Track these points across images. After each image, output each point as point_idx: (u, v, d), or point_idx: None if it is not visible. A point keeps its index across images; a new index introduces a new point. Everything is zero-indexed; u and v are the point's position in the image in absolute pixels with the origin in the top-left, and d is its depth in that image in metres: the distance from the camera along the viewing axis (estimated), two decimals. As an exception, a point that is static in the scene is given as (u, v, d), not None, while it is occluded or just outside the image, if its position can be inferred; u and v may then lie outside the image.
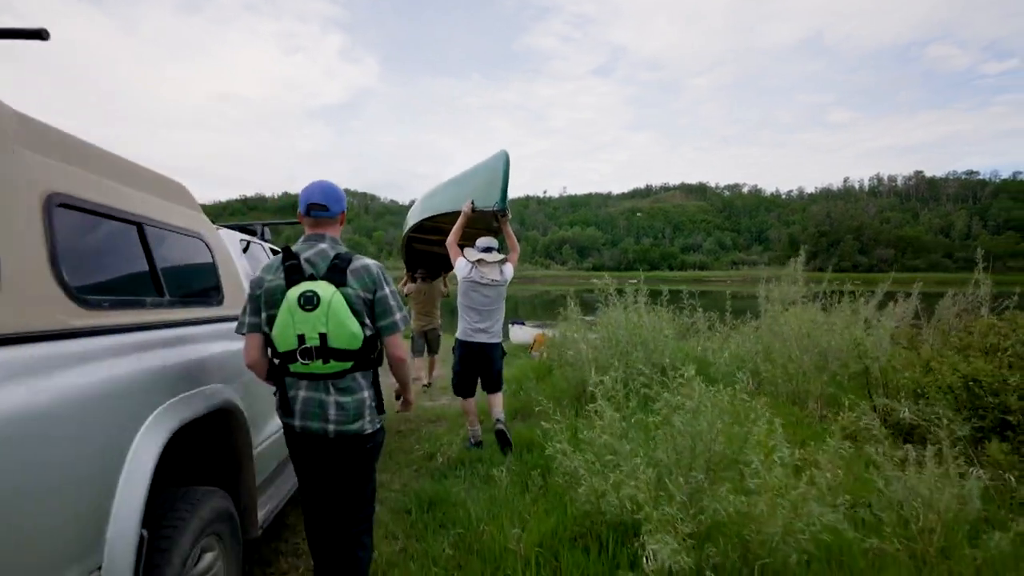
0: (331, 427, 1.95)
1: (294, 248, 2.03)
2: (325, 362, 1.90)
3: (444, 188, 5.19)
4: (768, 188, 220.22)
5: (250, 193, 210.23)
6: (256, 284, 2.00)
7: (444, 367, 7.45)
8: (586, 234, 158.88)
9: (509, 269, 4.27)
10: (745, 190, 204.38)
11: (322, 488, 2.07)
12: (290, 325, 1.88)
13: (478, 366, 4.25)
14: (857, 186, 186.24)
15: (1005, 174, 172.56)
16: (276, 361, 2.00)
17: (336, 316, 1.87)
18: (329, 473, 2.03)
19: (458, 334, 4.27)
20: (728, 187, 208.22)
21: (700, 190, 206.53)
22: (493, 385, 4.30)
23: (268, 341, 1.98)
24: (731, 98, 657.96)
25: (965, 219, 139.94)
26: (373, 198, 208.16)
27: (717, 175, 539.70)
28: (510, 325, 13.46)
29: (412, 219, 5.47)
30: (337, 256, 1.99)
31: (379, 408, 2.05)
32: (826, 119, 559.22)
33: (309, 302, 1.86)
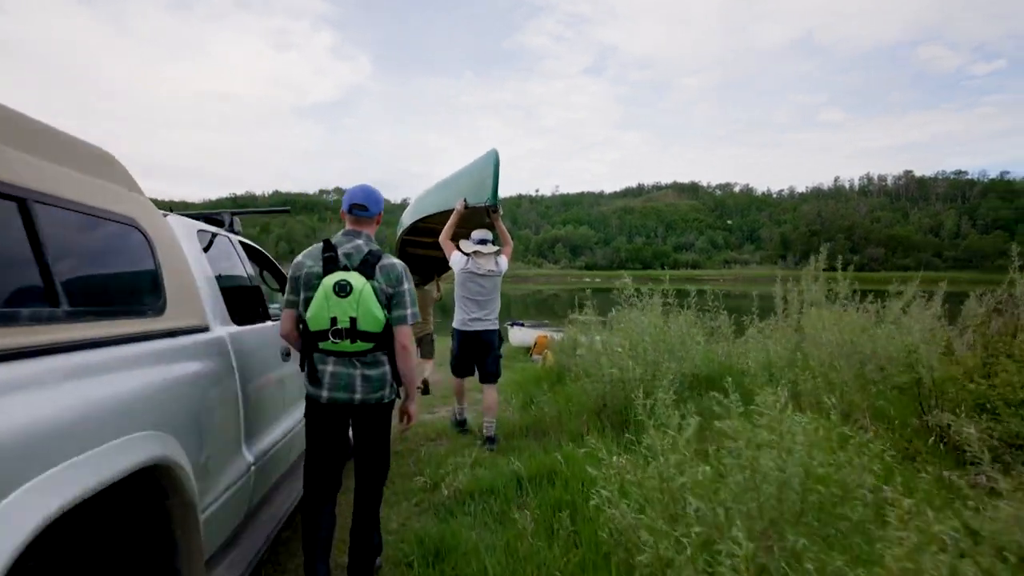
0: (357, 396, 2.26)
1: (333, 241, 2.35)
2: (353, 342, 2.19)
3: (436, 190, 5.29)
4: (759, 187, 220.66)
5: (240, 192, 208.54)
6: (297, 267, 2.32)
7: (442, 371, 6.90)
8: (579, 233, 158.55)
9: (504, 261, 4.44)
10: (737, 189, 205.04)
11: (337, 454, 2.36)
12: (324, 308, 2.17)
13: (477, 352, 4.38)
14: (847, 186, 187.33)
15: (993, 173, 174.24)
16: (306, 340, 2.27)
17: (365, 303, 2.18)
18: (356, 435, 2.38)
19: (455, 323, 4.40)
20: (720, 186, 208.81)
21: (692, 189, 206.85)
22: (490, 374, 4.43)
23: (300, 319, 2.28)
24: (722, 98, 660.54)
25: (954, 219, 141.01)
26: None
27: (709, 174, 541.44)
28: (508, 327, 12.88)
29: (406, 221, 5.49)
30: (370, 252, 2.32)
31: (396, 381, 2.36)
32: (817, 119, 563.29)
33: (343, 290, 2.17)
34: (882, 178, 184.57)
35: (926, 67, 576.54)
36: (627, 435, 3.37)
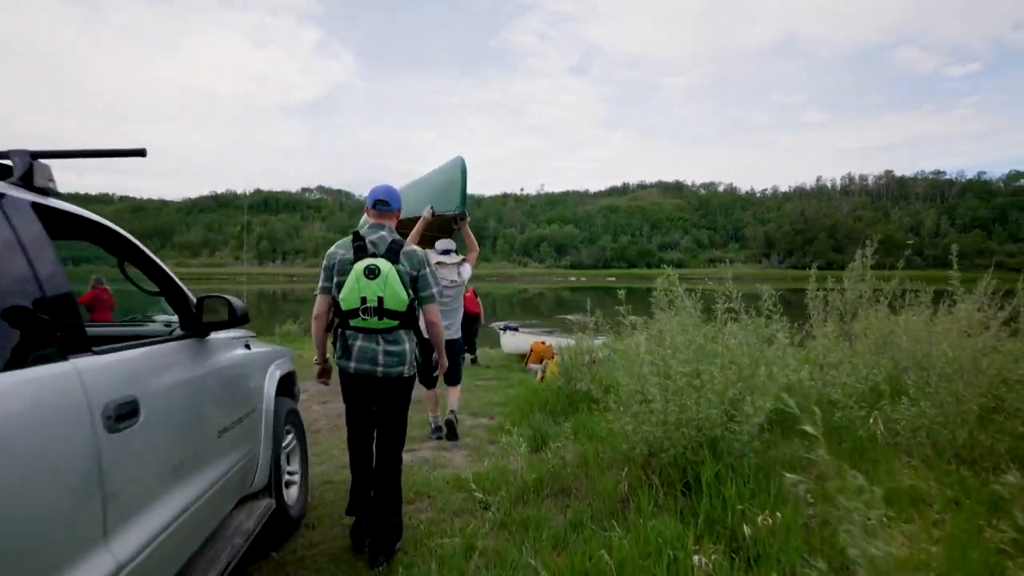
0: (380, 369, 2.60)
1: (361, 232, 2.73)
2: (380, 319, 2.55)
3: (403, 193, 4.88)
4: (743, 186, 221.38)
5: (221, 189, 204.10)
6: (330, 257, 2.69)
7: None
8: (564, 232, 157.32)
9: (467, 269, 4.56)
10: (721, 188, 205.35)
11: (368, 414, 2.75)
12: (355, 290, 2.54)
13: None
14: (830, 185, 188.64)
15: (970, 174, 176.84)
16: (338, 319, 2.66)
17: (391, 285, 2.54)
18: (376, 403, 2.71)
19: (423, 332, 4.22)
20: (704, 185, 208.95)
21: (677, 188, 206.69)
22: (454, 378, 4.66)
23: (334, 302, 2.66)
24: (707, 98, 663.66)
25: (934, 218, 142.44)
26: (348, 195, 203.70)
27: (694, 173, 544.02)
28: (501, 331, 11.64)
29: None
30: (393, 241, 2.68)
31: (421, 358, 2.82)
32: (799, 119, 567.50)
33: (372, 273, 2.54)
34: (863, 178, 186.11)
35: (904, 69, 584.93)
36: (694, 498, 2.53)
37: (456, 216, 4.40)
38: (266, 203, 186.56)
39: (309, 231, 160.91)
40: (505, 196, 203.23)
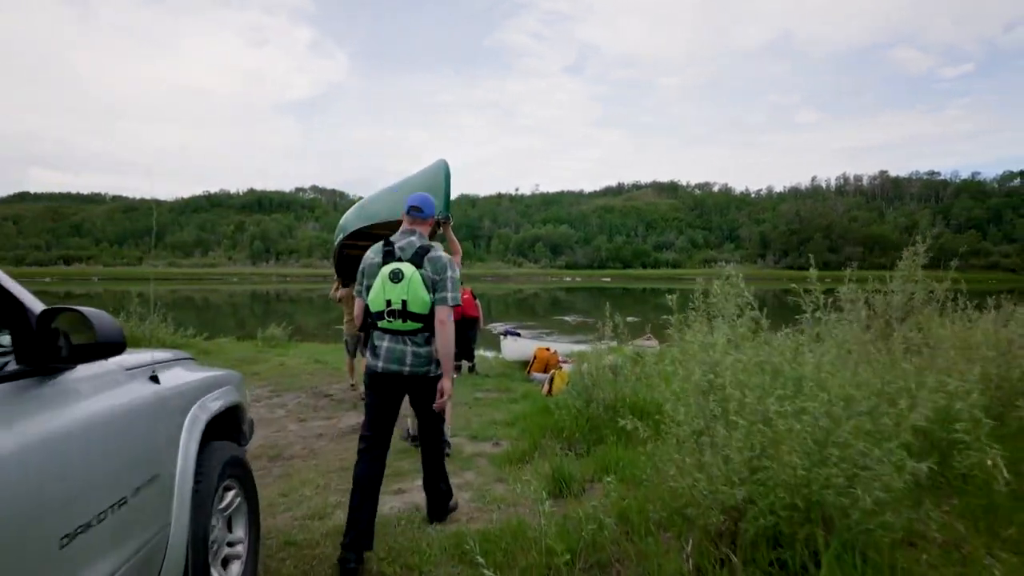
0: (407, 369, 2.71)
1: (392, 238, 2.84)
2: (404, 321, 2.68)
3: (383, 196, 5.24)
4: (738, 187, 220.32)
5: (214, 189, 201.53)
6: (364, 260, 2.86)
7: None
8: (559, 232, 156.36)
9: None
10: (716, 188, 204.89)
11: (390, 414, 2.83)
12: (381, 292, 2.69)
13: None
14: (824, 185, 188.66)
15: (964, 174, 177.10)
16: (368, 320, 2.80)
17: (414, 288, 2.65)
18: (412, 399, 2.87)
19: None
20: (699, 185, 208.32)
21: (671, 188, 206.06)
22: None
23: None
24: (701, 98, 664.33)
25: (929, 218, 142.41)
26: (342, 195, 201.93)
27: (688, 173, 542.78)
28: (501, 337, 10.81)
29: (350, 226, 5.28)
30: (420, 247, 2.77)
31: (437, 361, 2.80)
32: (793, 119, 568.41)
33: (396, 277, 2.66)
34: (858, 178, 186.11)
35: (897, 70, 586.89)
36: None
37: (440, 220, 4.33)
38: (260, 203, 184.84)
39: (303, 231, 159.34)
40: (500, 196, 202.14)
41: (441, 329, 2.70)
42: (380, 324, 2.73)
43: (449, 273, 2.74)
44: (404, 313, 2.66)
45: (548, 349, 8.70)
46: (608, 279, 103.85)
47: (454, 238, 4.60)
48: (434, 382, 2.79)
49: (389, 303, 2.66)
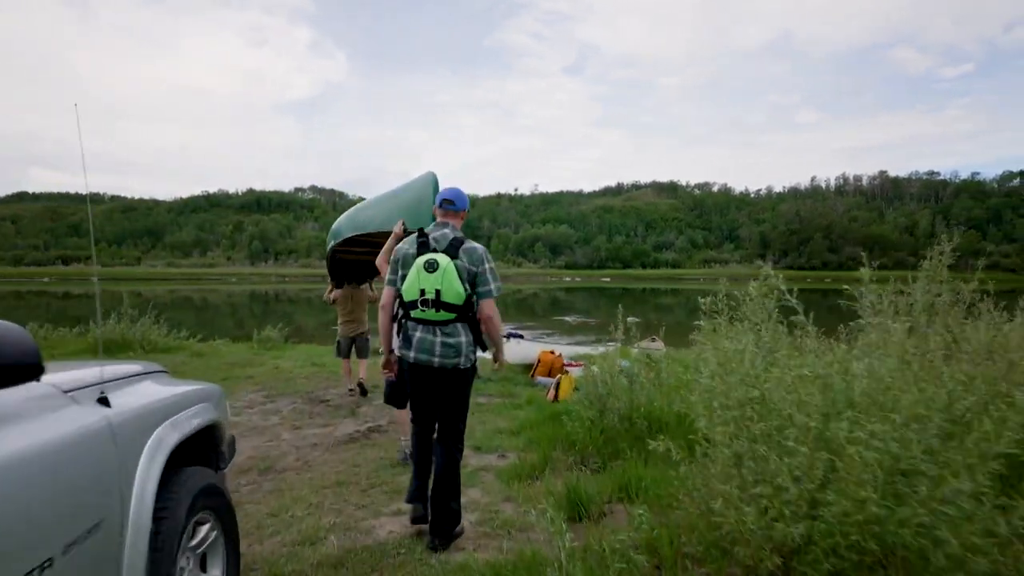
0: (436, 360, 2.73)
1: (426, 230, 2.87)
2: (437, 311, 2.68)
3: (374, 204, 5.26)
4: (737, 187, 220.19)
5: (213, 189, 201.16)
6: (397, 251, 2.89)
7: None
8: (558, 232, 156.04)
9: None
10: (715, 188, 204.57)
11: (429, 402, 2.89)
12: (416, 282, 2.70)
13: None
14: (824, 185, 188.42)
15: (964, 174, 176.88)
16: (401, 311, 2.83)
17: (448, 278, 2.66)
18: (435, 392, 2.85)
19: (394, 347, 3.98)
20: (699, 185, 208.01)
21: (671, 188, 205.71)
22: None
23: (398, 294, 2.84)
24: (701, 98, 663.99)
25: (928, 218, 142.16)
26: (342, 195, 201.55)
27: (688, 174, 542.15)
28: (505, 339, 10.48)
29: (343, 232, 5.35)
30: (455, 238, 2.81)
31: (482, 347, 2.88)
32: (793, 119, 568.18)
33: (431, 267, 2.67)
34: (857, 178, 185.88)
35: (897, 70, 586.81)
36: None
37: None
38: (259, 203, 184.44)
39: (302, 231, 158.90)
40: (499, 196, 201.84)
41: (490, 324, 2.81)
42: (413, 314, 2.76)
43: (487, 264, 2.79)
44: (437, 303, 2.68)
45: (553, 352, 8.39)
46: (608, 279, 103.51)
47: None
48: (463, 375, 2.82)
49: (423, 292, 2.69)
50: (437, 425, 2.93)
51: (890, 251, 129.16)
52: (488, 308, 2.79)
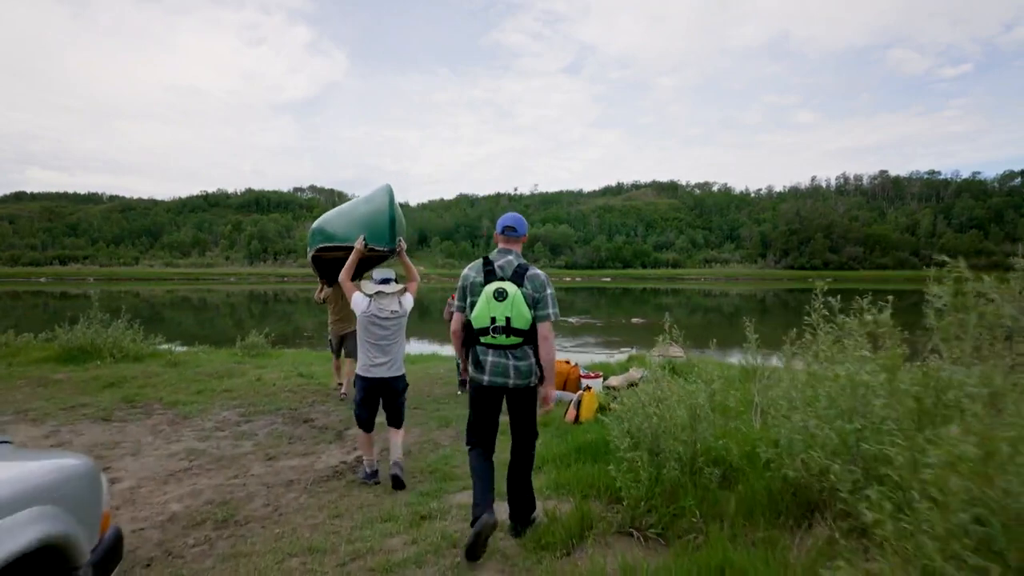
0: (511, 382, 2.90)
1: (490, 257, 3.03)
2: (507, 336, 2.85)
3: (338, 216, 5.19)
4: (738, 186, 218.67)
5: (212, 189, 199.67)
6: (464, 279, 3.05)
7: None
8: (558, 232, 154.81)
9: (408, 299, 4.24)
10: (715, 188, 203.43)
11: (495, 422, 3.06)
12: (486, 310, 2.86)
13: (380, 399, 4.16)
14: (824, 184, 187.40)
15: (965, 174, 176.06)
16: (468, 336, 2.97)
17: (518, 306, 2.83)
18: (512, 411, 3.02)
19: (358, 369, 4.13)
20: (699, 185, 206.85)
21: (671, 188, 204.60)
22: (396, 419, 4.23)
23: (466, 319, 2.98)
24: (700, 98, 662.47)
25: (930, 218, 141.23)
26: (341, 195, 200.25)
27: (688, 173, 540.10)
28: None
29: (315, 242, 5.35)
30: (519, 265, 2.95)
31: (539, 371, 2.95)
32: (793, 119, 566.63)
33: (501, 295, 2.84)
34: (858, 177, 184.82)
35: (896, 70, 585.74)
36: None
37: (388, 251, 4.33)
38: (257, 202, 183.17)
39: (301, 231, 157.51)
40: (499, 196, 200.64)
41: (544, 344, 2.90)
42: (483, 339, 2.90)
43: (548, 291, 2.92)
44: (508, 329, 2.84)
45: (568, 362, 7.49)
46: (608, 279, 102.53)
47: (409, 263, 4.37)
48: (533, 392, 3.00)
49: (494, 320, 2.84)
50: (512, 437, 3.09)
51: (891, 251, 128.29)
52: (544, 330, 2.90)
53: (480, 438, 3.02)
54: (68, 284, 70.57)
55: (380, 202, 4.29)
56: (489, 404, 2.99)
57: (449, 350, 10.75)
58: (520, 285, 2.86)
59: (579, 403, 5.56)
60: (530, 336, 2.88)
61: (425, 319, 29.35)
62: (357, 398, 4.13)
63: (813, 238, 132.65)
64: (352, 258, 4.18)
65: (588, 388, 5.78)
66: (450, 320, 8.07)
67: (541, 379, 2.95)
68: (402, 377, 4.17)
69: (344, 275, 4.16)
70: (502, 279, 2.89)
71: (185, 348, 11.77)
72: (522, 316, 2.82)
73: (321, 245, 5.18)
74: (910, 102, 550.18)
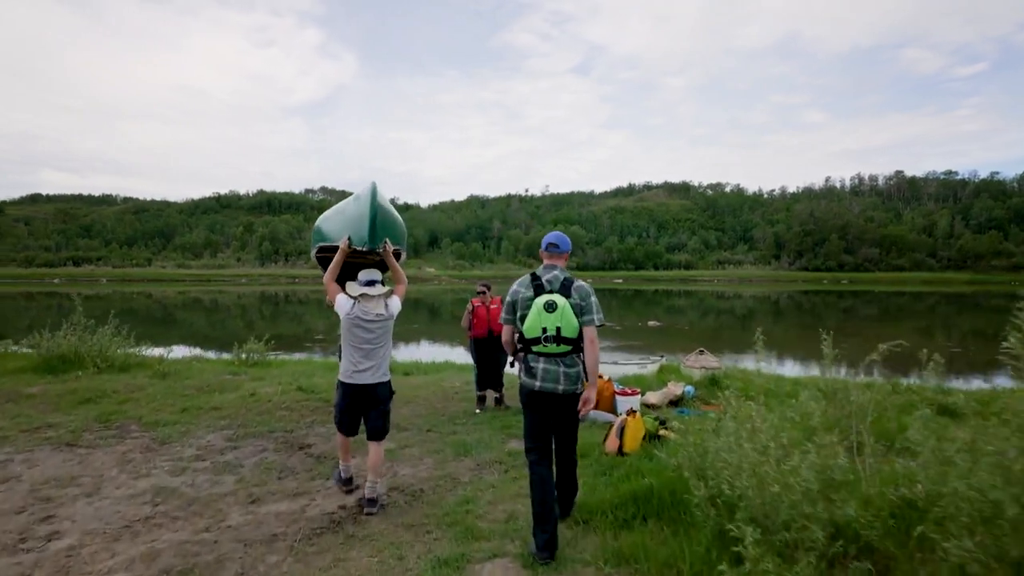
0: (561, 387, 3.12)
1: (537, 272, 3.27)
2: (557, 345, 3.10)
3: (331, 217, 5.05)
4: (751, 187, 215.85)
5: (224, 191, 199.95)
6: (513, 294, 3.26)
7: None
8: (569, 232, 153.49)
9: (396, 302, 4.06)
10: (728, 189, 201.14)
11: (550, 424, 3.23)
12: (537, 321, 3.10)
13: (362, 406, 3.90)
14: (839, 185, 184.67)
15: (983, 174, 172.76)
16: (520, 345, 3.23)
17: (567, 317, 3.09)
18: (558, 415, 3.22)
19: (340, 375, 3.93)
20: (711, 186, 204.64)
21: (683, 189, 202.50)
22: (378, 431, 3.91)
23: (516, 331, 3.25)
24: (711, 98, 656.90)
25: (948, 218, 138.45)
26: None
27: (700, 174, 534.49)
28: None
29: (314, 238, 5.16)
30: (565, 279, 3.22)
31: (586, 376, 3.19)
32: (806, 119, 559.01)
33: (551, 307, 3.10)
34: (873, 178, 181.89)
35: (910, 69, 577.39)
36: None
37: (369, 252, 4.17)
38: (269, 204, 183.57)
39: (310, 233, 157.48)
40: (509, 197, 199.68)
41: (591, 347, 3.13)
42: (535, 348, 3.15)
43: (592, 299, 3.18)
44: (558, 338, 3.09)
45: (601, 376, 6.61)
46: (620, 280, 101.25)
47: (396, 265, 4.20)
48: (579, 398, 3.18)
49: (545, 330, 3.10)
50: (556, 442, 3.31)
51: (908, 252, 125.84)
52: (590, 333, 3.13)
53: (541, 441, 3.21)
54: (81, 285, 70.54)
55: (363, 201, 4.10)
56: (543, 407, 3.19)
57: (464, 357, 9.91)
58: (568, 296, 3.12)
59: (622, 430, 4.69)
60: (578, 345, 3.15)
61: (435, 320, 28.55)
62: (339, 405, 3.94)
63: (828, 239, 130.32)
64: (336, 258, 3.96)
65: (633, 412, 4.90)
66: (468, 328, 6.92)
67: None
68: (387, 383, 3.94)
69: (328, 276, 3.97)
70: (551, 292, 3.15)
71: (181, 355, 11.01)
72: (571, 325, 3.10)
73: (320, 245, 4.93)
74: (922, 101, 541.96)
